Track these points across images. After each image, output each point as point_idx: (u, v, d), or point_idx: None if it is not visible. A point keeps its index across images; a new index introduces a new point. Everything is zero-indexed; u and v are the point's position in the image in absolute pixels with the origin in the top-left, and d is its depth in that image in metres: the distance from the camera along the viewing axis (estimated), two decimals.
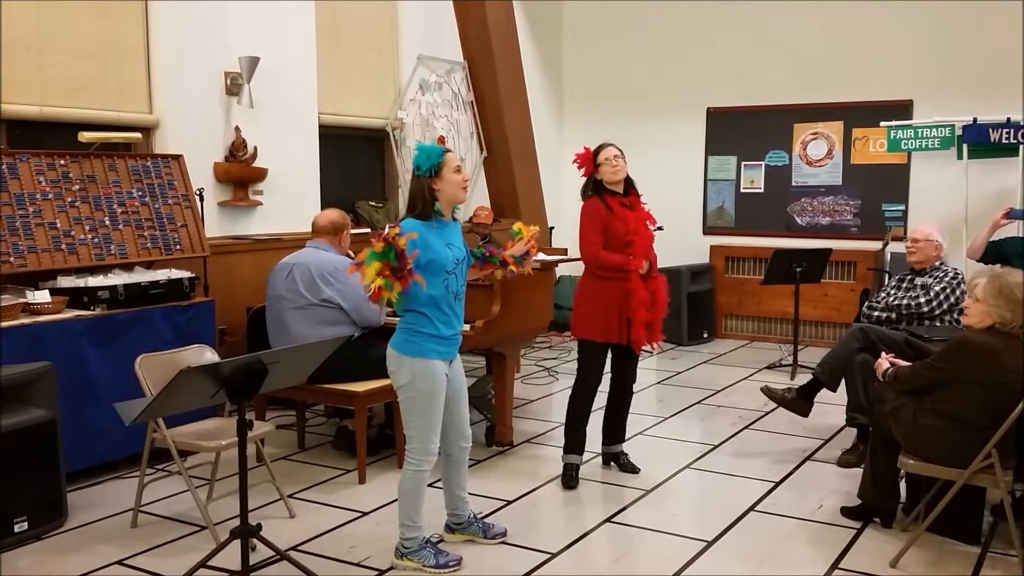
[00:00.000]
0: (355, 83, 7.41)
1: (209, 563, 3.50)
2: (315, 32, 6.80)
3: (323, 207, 6.71)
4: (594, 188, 4.62)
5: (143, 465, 4.15)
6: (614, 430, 4.96)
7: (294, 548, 3.88)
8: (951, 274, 5.08)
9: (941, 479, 3.80)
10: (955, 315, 5.00)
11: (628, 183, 4.64)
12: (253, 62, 6.06)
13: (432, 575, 3.67)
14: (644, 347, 4.69)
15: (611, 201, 4.56)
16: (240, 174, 6.18)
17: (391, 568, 3.71)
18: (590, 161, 4.61)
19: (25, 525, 3.94)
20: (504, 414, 5.30)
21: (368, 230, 6.77)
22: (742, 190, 9.06)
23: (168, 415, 3.85)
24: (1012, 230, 6.48)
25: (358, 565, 3.74)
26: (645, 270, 4.54)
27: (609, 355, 4.75)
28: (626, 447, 5.01)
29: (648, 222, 4.67)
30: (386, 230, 3.49)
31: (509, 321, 5.10)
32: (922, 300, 5.04)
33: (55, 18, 5.25)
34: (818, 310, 8.48)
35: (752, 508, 4.38)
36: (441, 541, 3.94)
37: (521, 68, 8.33)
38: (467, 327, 4.84)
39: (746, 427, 5.79)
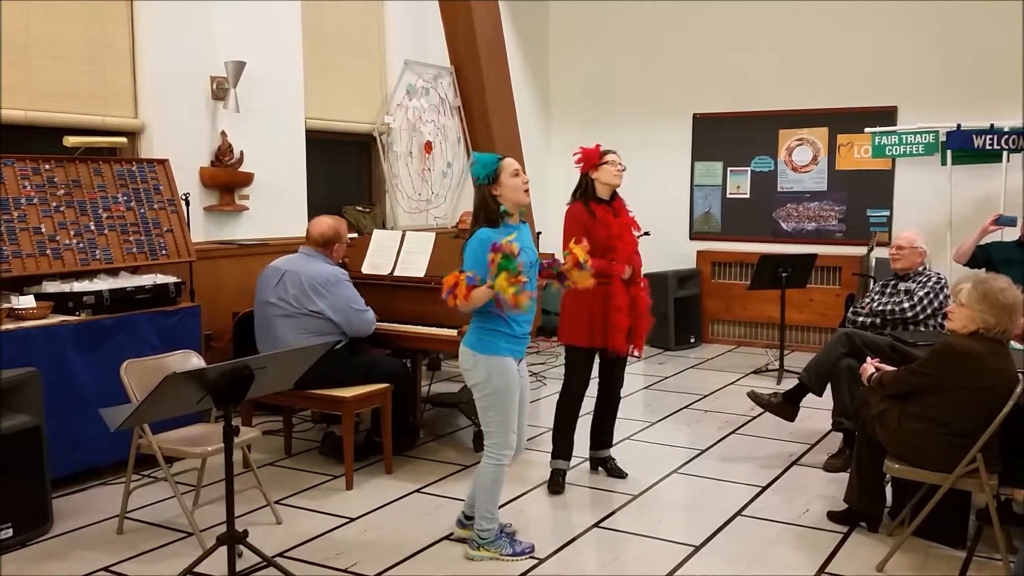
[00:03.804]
0: (342, 88, 7.40)
1: (195, 569, 3.49)
2: (301, 36, 6.78)
3: (310, 212, 6.70)
4: (583, 192, 4.62)
5: (129, 471, 4.13)
6: (601, 435, 4.97)
7: (281, 554, 3.87)
8: (934, 279, 5.12)
9: (927, 483, 3.82)
10: (939, 320, 5.03)
11: (612, 193, 4.65)
12: (239, 66, 6.04)
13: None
14: (628, 354, 4.69)
15: (595, 207, 4.56)
16: (226, 179, 6.15)
17: (378, 574, 3.70)
18: (596, 156, 4.57)
19: (10, 532, 3.91)
20: None
21: (355, 235, 6.75)
22: (728, 196, 9.10)
23: (154, 421, 3.83)
24: (999, 235, 6.52)
25: (345, 571, 3.73)
26: (627, 275, 4.55)
27: (596, 360, 4.76)
28: (614, 452, 5.01)
29: (633, 228, 4.68)
30: (500, 242, 3.50)
31: None
32: (906, 305, 5.07)
33: (40, 22, 5.22)
34: (804, 315, 8.52)
35: (739, 513, 4.40)
36: (509, 527, 4.03)
37: (508, 73, 8.33)
38: (455, 332, 4.85)
39: (733, 432, 5.81)
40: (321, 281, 4.78)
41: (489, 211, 3.70)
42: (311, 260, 4.89)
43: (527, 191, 3.76)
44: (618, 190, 4.69)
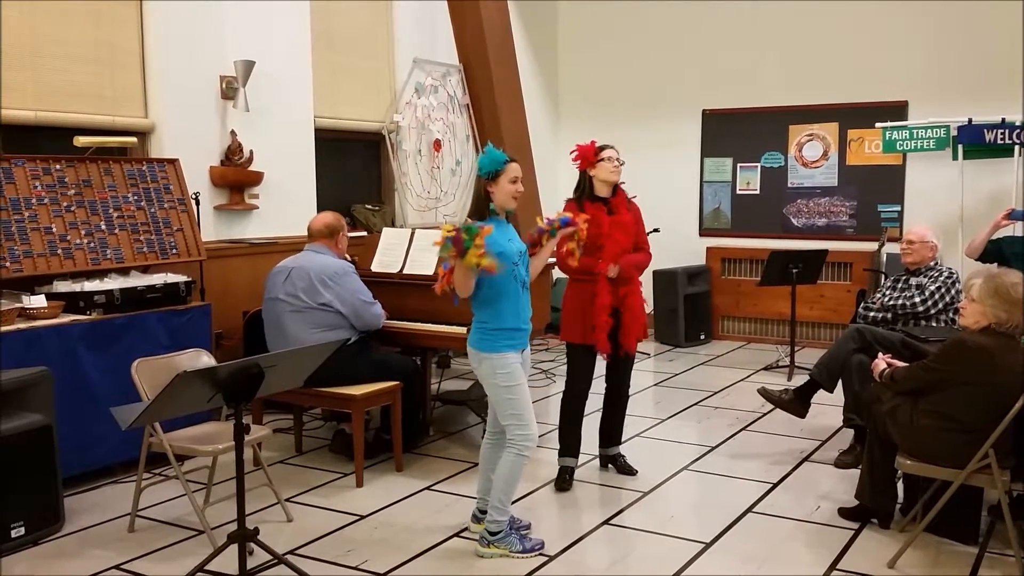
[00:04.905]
0: (351, 86, 7.41)
1: (207, 567, 3.49)
2: (310, 35, 6.79)
3: (319, 211, 6.71)
4: (583, 190, 4.60)
5: (140, 469, 4.15)
6: (611, 432, 4.96)
7: (291, 552, 3.87)
8: (946, 274, 5.10)
9: (938, 479, 3.80)
10: (950, 315, 5.02)
11: (614, 188, 4.64)
12: (248, 66, 6.05)
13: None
14: (631, 352, 4.68)
15: (589, 205, 4.54)
16: (236, 178, 6.17)
17: (389, 572, 3.71)
18: (592, 153, 4.57)
19: (22, 530, 3.94)
20: None
21: (364, 233, 6.77)
22: (738, 192, 9.06)
23: (165, 419, 3.85)
24: (1011, 230, 6.49)
25: (356, 569, 3.74)
26: (613, 274, 4.53)
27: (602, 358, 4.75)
28: (623, 449, 5.01)
29: (633, 224, 4.65)
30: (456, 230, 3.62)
31: None
32: (917, 300, 5.05)
33: (50, 22, 5.24)
34: (815, 311, 8.49)
35: (750, 509, 4.39)
36: (527, 526, 4.07)
37: (516, 71, 8.33)
38: (464, 329, 4.85)
39: (743, 428, 5.79)
40: (329, 274, 4.81)
41: (480, 202, 3.86)
42: (317, 255, 4.93)
43: (516, 199, 3.87)
44: (626, 187, 4.68)
